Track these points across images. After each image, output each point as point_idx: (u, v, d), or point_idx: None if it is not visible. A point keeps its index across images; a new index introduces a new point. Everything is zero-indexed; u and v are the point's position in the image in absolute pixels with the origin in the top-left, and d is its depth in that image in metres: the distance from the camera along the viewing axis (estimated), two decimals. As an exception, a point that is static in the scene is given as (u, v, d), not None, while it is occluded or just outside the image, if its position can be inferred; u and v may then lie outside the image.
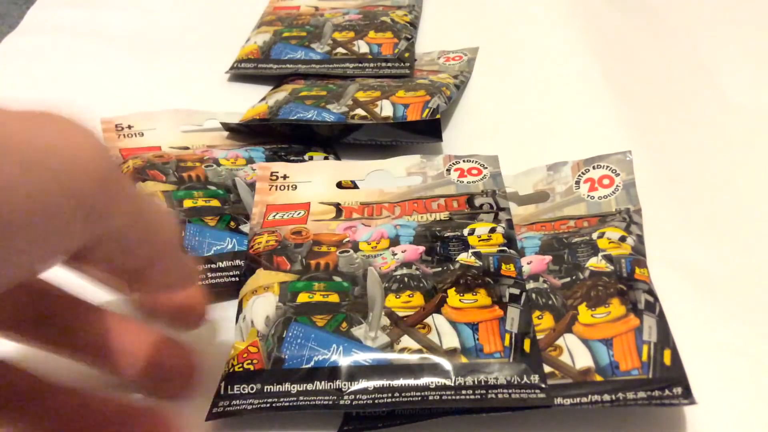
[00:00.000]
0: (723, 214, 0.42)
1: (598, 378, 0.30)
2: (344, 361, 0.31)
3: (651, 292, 0.33)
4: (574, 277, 0.34)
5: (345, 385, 0.30)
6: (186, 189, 0.41)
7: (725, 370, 0.33)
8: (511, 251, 0.36)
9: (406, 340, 0.31)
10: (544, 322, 0.33)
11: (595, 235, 0.37)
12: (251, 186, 0.42)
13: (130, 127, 0.47)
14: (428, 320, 0.32)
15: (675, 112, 0.50)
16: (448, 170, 0.41)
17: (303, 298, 0.34)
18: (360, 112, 0.46)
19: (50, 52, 0.58)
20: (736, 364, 0.33)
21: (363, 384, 0.30)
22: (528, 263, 0.36)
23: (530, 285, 0.35)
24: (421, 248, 0.36)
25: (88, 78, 0.55)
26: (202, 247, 0.38)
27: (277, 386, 0.30)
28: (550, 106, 0.51)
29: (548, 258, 0.36)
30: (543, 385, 0.30)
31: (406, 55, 0.53)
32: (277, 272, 0.36)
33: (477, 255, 0.36)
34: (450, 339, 0.31)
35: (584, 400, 0.29)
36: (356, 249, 0.37)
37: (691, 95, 0.51)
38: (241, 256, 0.38)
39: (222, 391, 0.31)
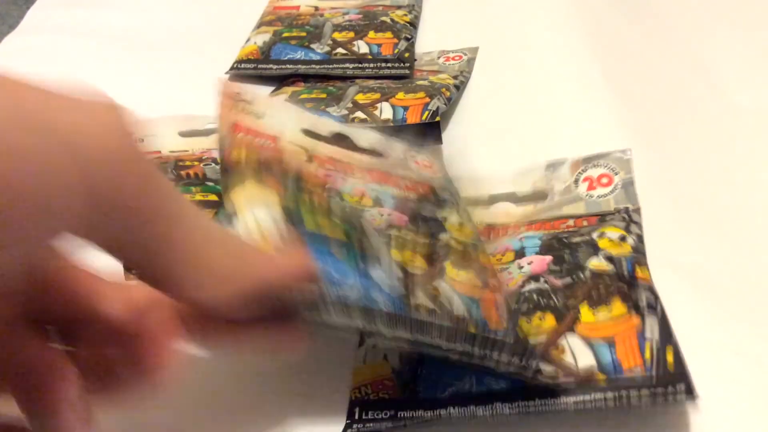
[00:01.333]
0: (723, 214, 0.42)
1: (601, 377, 0.30)
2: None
3: (652, 290, 0.33)
4: (575, 278, 0.34)
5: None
6: (184, 185, 0.42)
7: (725, 370, 0.33)
8: (451, 191, 0.36)
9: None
10: (545, 322, 0.33)
11: (595, 235, 0.37)
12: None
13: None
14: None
15: (675, 111, 0.50)
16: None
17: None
18: (360, 114, 0.47)
19: (50, 52, 0.58)
20: (736, 364, 0.33)
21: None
22: (529, 263, 0.36)
23: (531, 285, 0.35)
24: (405, 218, 0.35)
25: (88, 78, 0.55)
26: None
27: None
28: (550, 105, 0.51)
29: (549, 258, 0.36)
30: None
31: (406, 55, 0.53)
32: (271, 191, 0.33)
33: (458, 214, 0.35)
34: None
35: (587, 399, 0.29)
36: (340, 197, 0.35)
37: (691, 95, 0.51)
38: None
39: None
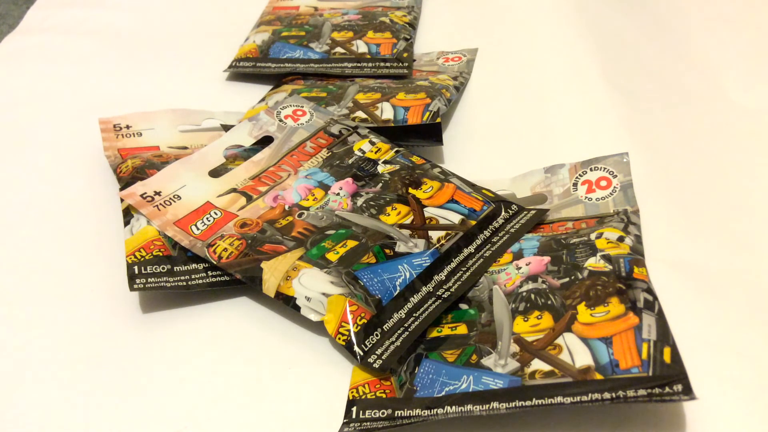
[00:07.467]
0: (722, 214, 0.42)
1: (598, 376, 0.30)
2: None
3: (650, 290, 0.33)
4: (572, 277, 0.34)
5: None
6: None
7: (725, 370, 0.33)
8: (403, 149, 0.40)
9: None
10: (543, 321, 0.33)
11: (593, 236, 0.37)
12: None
13: (128, 126, 0.47)
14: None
15: (674, 112, 0.50)
16: (281, 119, 0.45)
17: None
18: (360, 114, 0.47)
19: (50, 52, 0.58)
20: (736, 364, 0.33)
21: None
22: (527, 264, 0.36)
23: (529, 286, 0.35)
24: (350, 181, 0.41)
25: (88, 77, 0.55)
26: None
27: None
28: (549, 106, 0.51)
29: (547, 259, 0.36)
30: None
31: (405, 55, 0.54)
32: (284, 256, 0.37)
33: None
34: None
35: (584, 398, 0.29)
36: (305, 208, 0.39)
37: (691, 95, 0.51)
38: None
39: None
